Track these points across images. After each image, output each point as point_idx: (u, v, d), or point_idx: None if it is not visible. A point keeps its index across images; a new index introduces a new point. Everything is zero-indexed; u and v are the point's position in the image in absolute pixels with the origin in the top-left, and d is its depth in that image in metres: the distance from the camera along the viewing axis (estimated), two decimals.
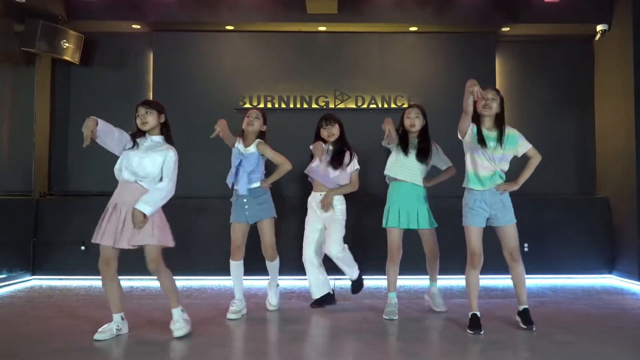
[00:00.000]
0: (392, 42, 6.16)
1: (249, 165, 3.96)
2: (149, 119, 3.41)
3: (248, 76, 6.10)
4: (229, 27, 6.07)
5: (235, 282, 4.02)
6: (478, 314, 3.47)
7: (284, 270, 4.41)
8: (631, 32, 5.46)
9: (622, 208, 5.61)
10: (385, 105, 6.06)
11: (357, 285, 4.38)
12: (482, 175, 3.49)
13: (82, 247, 5.62)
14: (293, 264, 4.98)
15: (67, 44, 5.73)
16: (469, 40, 6.11)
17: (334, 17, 5.86)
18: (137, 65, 6.23)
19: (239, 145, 4.06)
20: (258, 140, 4.08)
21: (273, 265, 4.14)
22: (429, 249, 4.01)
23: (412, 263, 4.46)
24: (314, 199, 4.27)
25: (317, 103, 6.07)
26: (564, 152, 6.26)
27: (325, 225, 4.23)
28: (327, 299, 4.31)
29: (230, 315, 3.85)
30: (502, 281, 5.36)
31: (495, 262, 4.42)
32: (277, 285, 4.24)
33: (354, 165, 4.24)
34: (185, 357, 3.02)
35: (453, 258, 4.39)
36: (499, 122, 3.54)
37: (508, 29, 6.06)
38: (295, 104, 6.09)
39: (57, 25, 5.67)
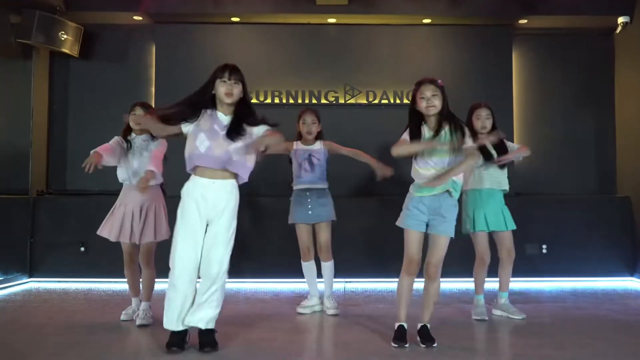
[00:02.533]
0: (405, 35, 6.09)
1: (318, 158, 4.04)
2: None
3: (254, 70, 5.88)
4: (234, 19, 5.98)
5: (309, 281, 4.12)
6: (405, 325, 3.16)
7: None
8: None
9: None
10: (398, 101, 5.95)
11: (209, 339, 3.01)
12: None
13: (82, 248, 5.53)
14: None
15: (65, 36, 5.63)
16: (485, 33, 6.02)
17: (345, 9, 5.78)
18: (139, 59, 6.16)
19: (300, 145, 4.12)
20: (323, 141, 4.13)
21: (327, 265, 4.06)
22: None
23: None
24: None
25: (326, 98, 5.98)
26: (583, 150, 6.20)
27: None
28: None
29: (299, 310, 4.05)
30: (519, 284, 5.22)
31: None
32: (331, 287, 4.12)
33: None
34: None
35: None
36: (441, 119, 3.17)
37: (525, 21, 5.97)
38: (303, 100, 5.99)
39: (55, 16, 5.56)
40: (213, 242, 2.96)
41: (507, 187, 3.94)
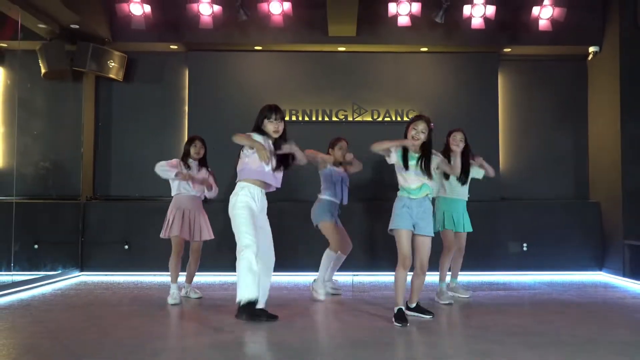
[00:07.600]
0: (405, 61, 6.65)
1: (346, 182, 4.93)
2: (202, 151, 4.75)
3: (274, 91, 6.54)
4: (257, 47, 6.56)
5: (329, 269, 4.84)
6: (403, 308, 3.80)
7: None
8: (618, 54, 6.02)
9: (611, 212, 6.19)
10: (399, 118, 6.55)
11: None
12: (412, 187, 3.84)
13: (126, 246, 6.16)
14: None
15: (112, 64, 6.24)
16: (474, 59, 6.61)
17: (353, 39, 6.36)
18: (174, 82, 6.71)
19: (334, 168, 4.87)
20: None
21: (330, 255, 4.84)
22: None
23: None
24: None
25: (336, 116, 6.58)
26: (561, 161, 6.78)
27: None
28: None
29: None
30: (502, 277, 6.03)
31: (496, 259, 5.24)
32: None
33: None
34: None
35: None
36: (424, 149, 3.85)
37: (509, 49, 6.57)
38: (317, 117, 6.57)
39: (104, 47, 6.18)
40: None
41: (466, 197, 4.73)
